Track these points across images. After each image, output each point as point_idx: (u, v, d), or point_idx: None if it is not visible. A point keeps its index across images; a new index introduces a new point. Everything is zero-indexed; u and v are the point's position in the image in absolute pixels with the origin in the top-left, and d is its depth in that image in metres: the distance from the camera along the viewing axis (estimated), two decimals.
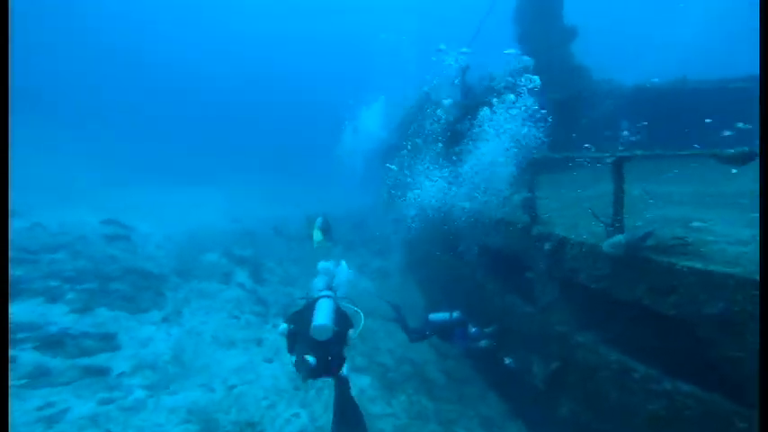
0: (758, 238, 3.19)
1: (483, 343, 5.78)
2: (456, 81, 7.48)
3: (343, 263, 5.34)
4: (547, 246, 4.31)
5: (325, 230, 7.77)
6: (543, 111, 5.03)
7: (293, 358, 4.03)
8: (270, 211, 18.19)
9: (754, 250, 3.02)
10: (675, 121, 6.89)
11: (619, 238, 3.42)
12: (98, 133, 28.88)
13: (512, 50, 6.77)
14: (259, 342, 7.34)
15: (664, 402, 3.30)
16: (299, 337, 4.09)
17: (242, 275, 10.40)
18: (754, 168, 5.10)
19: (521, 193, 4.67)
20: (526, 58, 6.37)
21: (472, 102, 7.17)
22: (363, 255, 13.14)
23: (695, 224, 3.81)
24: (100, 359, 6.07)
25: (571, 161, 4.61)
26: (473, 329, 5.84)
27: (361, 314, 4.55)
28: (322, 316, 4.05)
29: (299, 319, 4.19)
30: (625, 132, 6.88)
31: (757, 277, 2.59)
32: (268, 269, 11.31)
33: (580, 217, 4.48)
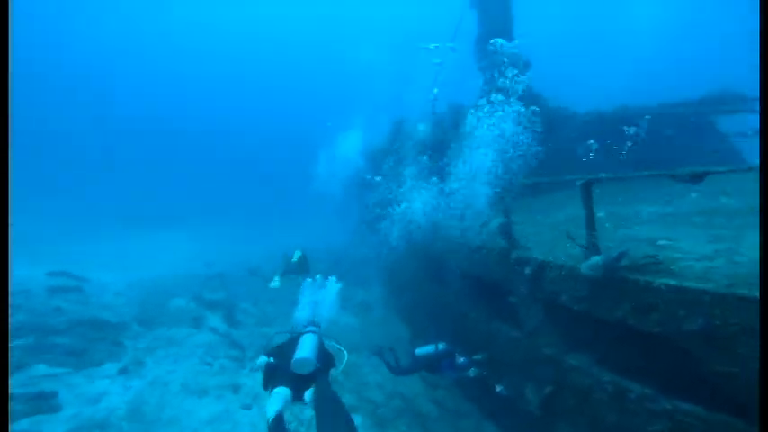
0: (728, 253, 3.33)
1: (472, 372, 5.64)
2: (432, 108, 7.83)
3: (332, 278, 5.25)
4: (527, 270, 4.33)
5: (302, 264, 7.56)
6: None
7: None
8: (245, 251, 17.57)
9: (720, 265, 3.15)
10: (620, 144, 7.37)
11: (596, 259, 3.49)
12: (52, 180, 27.33)
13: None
14: (235, 388, 6.78)
15: (666, 423, 3.25)
16: (278, 371, 3.90)
17: (214, 319, 9.82)
18: (702, 188, 5.46)
19: (497, 218, 4.76)
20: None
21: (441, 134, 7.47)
22: (344, 288, 12.78)
23: (662, 242, 3.97)
24: (23, 424, 5.24)
25: (543, 185, 4.76)
26: (461, 359, 5.69)
27: (345, 352, 4.47)
28: (305, 349, 3.95)
29: (280, 353, 4.05)
30: (591, 155, 7.33)
31: (732, 291, 2.67)
32: (242, 311, 10.72)
33: (556, 240, 4.59)
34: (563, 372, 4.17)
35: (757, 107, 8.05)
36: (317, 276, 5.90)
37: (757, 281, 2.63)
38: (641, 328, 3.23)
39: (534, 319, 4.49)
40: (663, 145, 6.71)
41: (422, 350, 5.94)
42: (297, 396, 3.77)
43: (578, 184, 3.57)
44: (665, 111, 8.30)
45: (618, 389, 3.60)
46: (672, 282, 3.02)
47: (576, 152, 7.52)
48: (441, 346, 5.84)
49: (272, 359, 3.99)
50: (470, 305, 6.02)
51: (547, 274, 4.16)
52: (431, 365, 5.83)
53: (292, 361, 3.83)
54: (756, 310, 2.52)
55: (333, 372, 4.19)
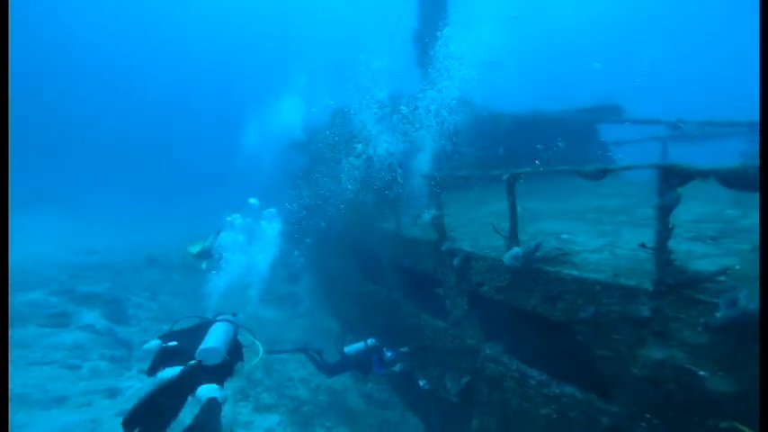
0: (611, 246, 3.88)
1: (398, 367, 5.69)
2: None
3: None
4: (455, 261, 4.55)
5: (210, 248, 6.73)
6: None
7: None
8: (146, 238, 15.15)
9: (607, 257, 3.60)
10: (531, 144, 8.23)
11: (516, 250, 3.79)
12: None
13: None
14: (112, 393, 5.90)
15: (554, 406, 3.62)
16: (176, 358, 3.37)
17: (90, 316, 8.41)
18: (591, 189, 6.30)
19: (430, 211, 4.90)
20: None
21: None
22: (270, 282, 12.09)
23: (564, 236, 4.49)
24: None
25: (471, 179, 5.01)
26: (389, 353, 5.72)
27: (260, 347, 4.16)
28: (215, 338, 3.54)
29: (184, 338, 3.56)
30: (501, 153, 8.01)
31: (616, 281, 3.05)
32: (136, 305, 9.37)
33: (481, 233, 4.89)
34: (481, 361, 4.44)
35: (628, 118, 9.56)
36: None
37: (635, 272, 3.13)
38: (548, 316, 3.57)
39: (460, 309, 4.75)
40: (557, 150, 7.63)
41: (350, 348, 5.85)
42: (189, 390, 3.27)
43: (504, 177, 3.81)
44: (563, 116, 9.37)
45: (522, 376, 3.94)
46: (574, 272, 3.38)
47: (499, 153, 8.17)
48: (370, 341, 5.83)
49: (173, 343, 3.49)
50: (403, 298, 6.16)
51: (473, 265, 4.43)
52: (360, 363, 5.77)
53: (199, 349, 3.40)
54: (634, 298, 2.91)
55: (238, 367, 3.82)
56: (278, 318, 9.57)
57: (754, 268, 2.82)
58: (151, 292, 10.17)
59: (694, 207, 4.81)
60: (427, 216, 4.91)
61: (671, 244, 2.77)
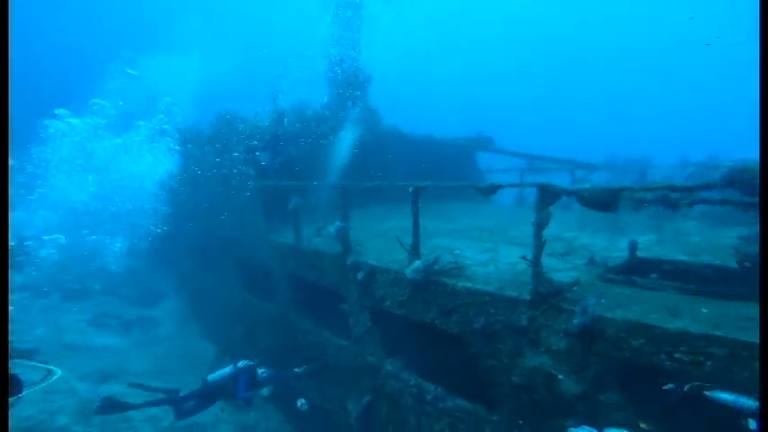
0: (494, 261, 4.32)
1: (266, 390, 5.09)
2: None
3: None
4: (360, 275, 4.39)
5: None
6: None
7: None
8: None
9: (492, 271, 3.99)
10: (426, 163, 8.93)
11: (417, 263, 3.87)
12: None
13: None
14: None
15: (447, 420, 3.74)
16: None
17: None
18: (470, 213, 7.05)
19: (335, 223, 4.64)
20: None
21: None
22: (111, 303, 9.58)
23: (456, 251, 4.87)
24: None
25: (375, 193, 4.97)
26: (262, 372, 5.04)
27: (56, 370, 3.35)
28: None
29: None
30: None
31: (502, 293, 3.36)
32: None
33: (384, 248, 4.88)
34: (382, 378, 4.37)
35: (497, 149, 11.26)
36: None
37: (516, 284, 3.47)
38: (445, 329, 3.69)
39: (363, 326, 4.59)
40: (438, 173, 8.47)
41: (216, 374, 5.03)
42: None
43: (410, 190, 3.91)
44: (456, 142, 10.54)
45: (420, 391, 3.99)
46: (468, 284, 3.59)
47: (394, 169, 8.52)
48: (241, 363, 5.10)
49: None
50: (301, 315, 5.62)
51: (377, 279, 4.35)
52: (225, 388, 4.95)
53: None
54: (516, 308, 3.22)
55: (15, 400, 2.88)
56: (120, 346, 7.53)
57: (592, 278, 3.57)
58: None
59: (548, 229, 5.93)
60: (332, 228, 4.63)
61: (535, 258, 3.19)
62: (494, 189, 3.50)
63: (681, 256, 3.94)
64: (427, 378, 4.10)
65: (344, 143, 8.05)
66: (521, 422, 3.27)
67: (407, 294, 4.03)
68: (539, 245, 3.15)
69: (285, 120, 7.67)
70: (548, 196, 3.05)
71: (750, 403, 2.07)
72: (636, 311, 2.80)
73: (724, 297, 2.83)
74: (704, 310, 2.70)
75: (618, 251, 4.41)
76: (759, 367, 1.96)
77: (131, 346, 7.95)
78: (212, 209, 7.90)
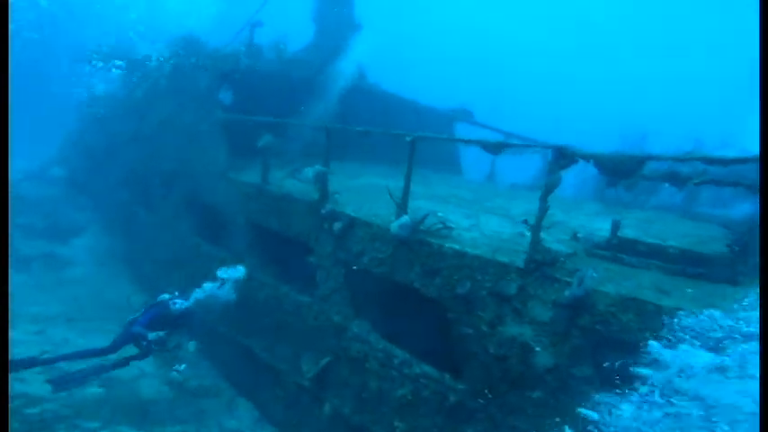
0: (478, 227, 4.11)
1: (191, 346, 4.61)
2: None
3: None
4: (337, 225, 3.94)
5: None
6: None
7: None
8: None
9: (478, 236, 3.78)
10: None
11: (405, 218, 3.53)
12: None
13: None
14: None
15: (410, 386, 3.62)
16: None
17: None
18: (445, 182, 6.71)
19: (314, 166, 4.03)
20: None
21: None
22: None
23: (440, 214, 4.56)
24: None
25: (350, 148, 4.37)
26: (176, 303, 4.44)
27: None
28: None
29: None
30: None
31: (495, 258, 3.20)
32: None
33: (359, 203, 4.46)
34: (347, 340, 4.11)
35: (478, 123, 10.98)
36: None
37: (504, 251, 3.34)
38: (425, 292, 3.49)
39: (333, 281, 4.20)
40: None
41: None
42: None
43: (407, 139, 3.59)
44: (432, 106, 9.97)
45: (387, 355, 3.81)
46: (456, 246, 3.40)
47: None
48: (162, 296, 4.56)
49: None
50: (258, 266, 5.04)
51: (356, 232, 3.93)
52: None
53: None
54: (506, 275, 3.07)
55: None
56: (14, 285, 6.38)
57: (580, 253, 3.48)
58: None
59: (522, 204, 5.85)
60: (310, 171, 4.02)
61: (523, 229, 2.99)
62: (501, 147, 3.18)
63: (651, 240, 4.01)
64: (394, 342, 3.92)
65: (325, 92, 7.32)
66: (486, 392, 3.20)
67: (389, 252, 3.70)
68: (543, 209, 2.95)
69: (261, 57, 6.61)
70: (562, 159, 2.79)
71: None
72: (627, 287, 2.74)
73: (706, 279, 2.86)
74: (689, 290, 2.69)
75: (595, 230, 4.41)
76: (759, 368, 1.91)
77: (33, 287, 6.75)
78: (158, 138, 6.72)
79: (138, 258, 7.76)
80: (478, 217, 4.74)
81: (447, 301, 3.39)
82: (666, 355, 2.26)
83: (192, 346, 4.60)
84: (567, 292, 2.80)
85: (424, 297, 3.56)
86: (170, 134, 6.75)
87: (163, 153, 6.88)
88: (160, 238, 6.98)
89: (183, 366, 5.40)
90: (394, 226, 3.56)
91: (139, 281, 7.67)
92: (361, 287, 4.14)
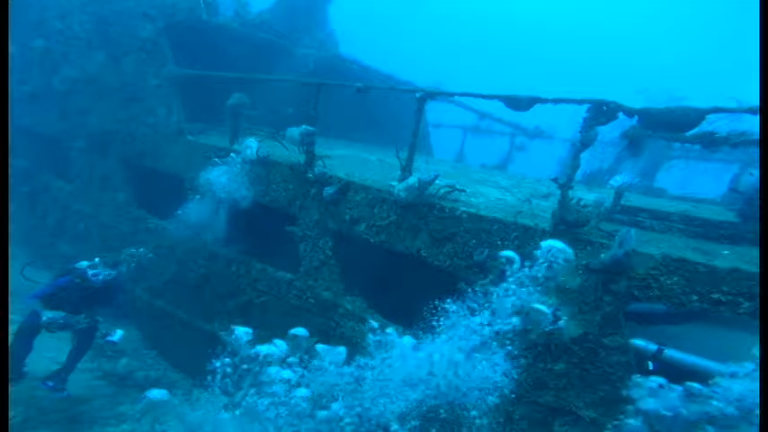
0: (482, 195, 3.66)
1: (116, 335, 3.71)
2: None
3: None
4: (328, 191, 3.25)
5: None
6: None
7: None
8: None
9: (484, 202, 3.39)
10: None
11: (413, 179, 2.98)
12: None
13: None
14: None
15: None
16: None
17: None
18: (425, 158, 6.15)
19: (300, 126, 3.28)
20: None
21: None
22: None
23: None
24: None
25: (320, 121, 3.65)
26: (96, 273, 3.54)
27: None
28: None
29: None
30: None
31: (517, 220, 2.81)
32: None
33: (351, 168, 3.81)
34: (337, 318, 3.53)
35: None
36: None
37: (527, 216, 2.97)
38: (432, 261, 3.03)
39: (320, 254, 3.51)
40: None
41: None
42: None
43: (417, 96, 3.09)
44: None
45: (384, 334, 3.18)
46: (471, 210, 2.96)
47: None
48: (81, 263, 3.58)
49: None
50: (222, 240, 4.16)
51: (350, 198, 3.27)
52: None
53: None
54: (530, 239, 2.69)
55: None
56: None
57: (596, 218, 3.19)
58: None
59: (505, 179, 5.49)
60: (295, 131, 3.27)
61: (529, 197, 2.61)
62: (532, 102, 2.72)
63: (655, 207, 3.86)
64: (391, 319, 3.38)
65: (292, 61, 6.40)
66: None
67: (392, 218, 3.11)
68: (574, 167, 2.55)
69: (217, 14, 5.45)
70: (601, 114, 2.40)
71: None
72: (666, 249, 2.43)
73: (730, 241, 2.67)
74: (726, 252, 2.47)
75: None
76: (759, 367, 1.86)
77: None
78: (78, 96, 5.39)
79: (49, 236, 6.24)
80: (475, 186, 4.33)
81: (459, 270, 2.96)
82: None
83: (117, 335, 3.63)
84: (603, 255, 2.46)
85: (431, 267, 3.08)
86: (95, 91, 5.46)
87: (87, 113, 5.54)
88: (86, 212, 5.65)
89: (125, 360, 4.42)
90: (399, 188, 3.00)
91: (59, 263, 6.15)
92: (354, 259, 3.54)
